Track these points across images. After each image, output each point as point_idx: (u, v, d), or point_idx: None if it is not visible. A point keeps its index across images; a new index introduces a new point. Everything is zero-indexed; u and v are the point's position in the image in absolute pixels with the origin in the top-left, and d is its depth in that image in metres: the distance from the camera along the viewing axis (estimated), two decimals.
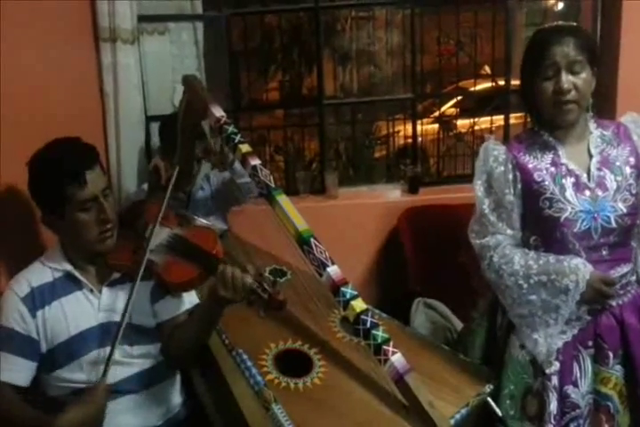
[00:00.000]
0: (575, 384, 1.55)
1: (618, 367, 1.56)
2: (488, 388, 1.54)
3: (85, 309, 1.50)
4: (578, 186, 1.54)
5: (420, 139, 3.14)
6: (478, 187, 1.63)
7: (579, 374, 1.55)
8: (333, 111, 3.73)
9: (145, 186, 2.28)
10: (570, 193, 1.53)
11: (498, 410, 1.55)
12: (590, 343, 1.57)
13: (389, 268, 2.74)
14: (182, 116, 1.76)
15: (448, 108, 4.51)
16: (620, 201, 1.53)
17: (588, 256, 1.53)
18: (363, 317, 1.39)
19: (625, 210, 1.53)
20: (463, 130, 3.83)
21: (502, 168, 1.59)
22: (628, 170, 1.56)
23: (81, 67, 2.29)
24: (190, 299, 1.61)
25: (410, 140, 3.02)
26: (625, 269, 1.57)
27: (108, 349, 1.45)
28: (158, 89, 2.53)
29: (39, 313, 1.47)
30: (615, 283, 1.53)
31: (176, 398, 1.63)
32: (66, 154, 1.45)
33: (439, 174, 3.62)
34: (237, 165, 1.98)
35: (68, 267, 1.50)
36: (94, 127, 2.34)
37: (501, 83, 2.98)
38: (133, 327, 1.50)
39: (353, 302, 1.40)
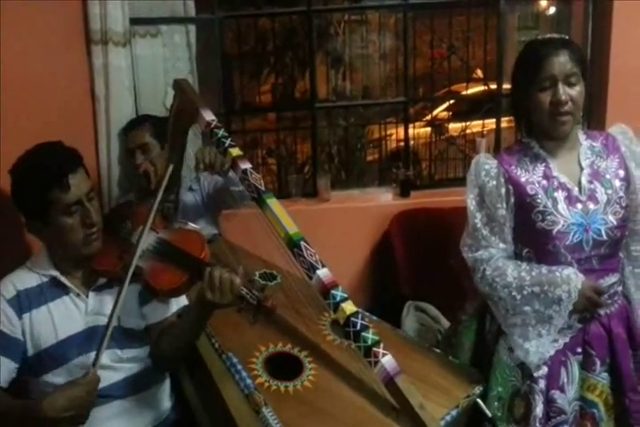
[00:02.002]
0: (562, 389, 1.56)
1: (604, 375, 1.58)
2: (478, 389, 1.56)
3: (72, 313, 1.50)
4: (570, 199, 1.55)
5: (412, 142, 3.15)
6: (470, 201, 1.63)
7: (566, 380, 1.57)
8: (326, 114, 3.74)
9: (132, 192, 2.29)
10: (562, 206, 1.54)
11: (487, 411, 1.56)
12: (579, 350, 1.58)
13: (380, 271, 2.74)
14: (173, 119, 1.76)
15: (440, 111, 4.52)
16: (610, 214, 1.55)
17: (579, 267, 1.54)
18: (353, 319, 1.39)
19: (615, 222, 1.55)
20: (455, 133, 3.84)
21: (494, 182, 1.60)
22: (617, 183, 1.57)
23: (72, 69, 2.28)
24: (179, 301, 1.61)
25: (402, 144, 3.03)
26: (613, 279, 1.59)
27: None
28: (150, 92, 2.52)
29: (25, 316, 1.46)
30: (605, 292, 1.55)
31: (165, 402, 1.62)
32: (48, 158, 1.44)
33: (431, 178, 3.62)
34: (232, 172, 1.97)
35: (54, 272, 1.50)
36: (85, 130, 2.34)
37: (493, 87, 3.00)
38: (123, 331, 1.49)
39: (343, 305, 1.40)
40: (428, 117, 4.09)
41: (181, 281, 1.46)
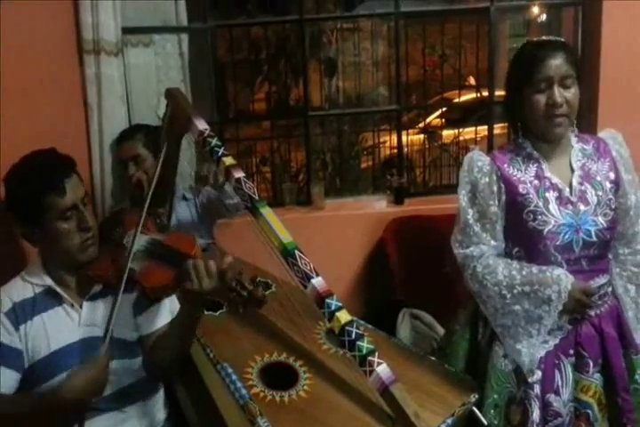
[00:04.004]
0: (557, 393, 1.56)
1: (597, 376, 1.58)
2: (473, 397, 1.55)
3: (66, 324, 1.48)
4: (561, 200, 1.56)
5: (405, 149, 3.16)
6: (462, 197, 1.64)
7: (560, 383, 1.57)
8: (319, 122, 3.75)
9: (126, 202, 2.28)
10: (553, 206, 1.56)
11: (483, 419, 1.56)
12: (571, 352, 1.59)
13: (375, 278, 2.74)
14: (165, 129, 1.76)
15: (433, 118, 4.54)
16: (600, 215, 1.56)
17: (569, 267, 1.55)
18: (348, 328, 1.38)
19: (605, 224, 1.56)
20: (448, 140, 3.85)
21: (487, 179, 1.60)
22: (607, 185, 1.59)
23: (64, 79, 2.28)
24: (173, 310, 1.60)
25: (395, 151, 3.04)
26: (603, 280, 1.61)
27: None
28: (143, 101, 2.52)
29: (22, 327, 1.45)
30: (595, 293, 1.56)
31: (160, 413, 1.61)
32: (43, 164, 1.45)
33: (425, 185, 3.63)
34: (228, 185, 1.97)
35: (49, 281, 1.49)
36: (78, 139, 2.33)
37: (485, 94, 3.01)
38: (115, 341, 1.48)
39: (338, 314, 1.39)
40: (422, 125, 4.11)
41: (171, 278, 1.44)
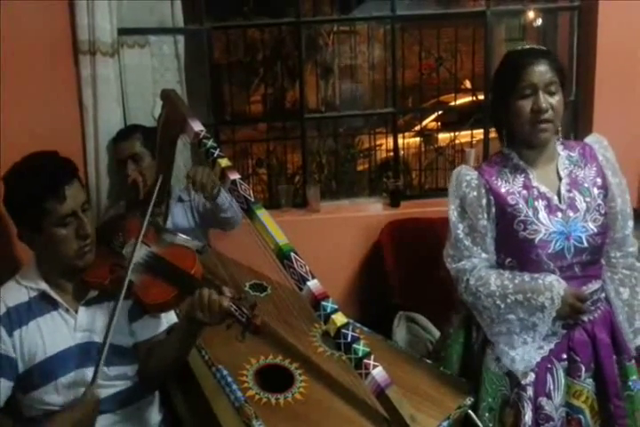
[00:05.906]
0: (549, 396, 1.56)
1: (589, 381, 1.58)
2: (469, 400, 1.55)
3: (61, 329, 1.47)
4: (550, 208, 1.57)
5: (401, 152, 3.16)
6: (452, 212, 1.64)
7: (552, 387, 1.57)
8: (316, 124, 3.75)
9: (122, 202, 2.27)
10: (543, 215, 1.56)
11: (479, 422, 1.56)
12: (564, 356, 1.59)
13: (371, 281, 2.74)
14: (161, 130, 1.75)
15: (429, 122, 4.55)
16: (590, 221, 1.57)
17: (562, 274, 1.55)
18: (343, 331, 1.38)
19: (595, 229, 1.57)
20: (444, 144, 3.86)
21: (475, 193, 1.61)
22: (595, 191, 1.60)
23: (60, 80, 2.27)
24: (168, 318, 1.59)
25: (391, 154, 3.04)
26: (596, 285, 1.61)
27: (85, 370, 1.43)
28: (138, 102, 2.52)
29: (16, 333, 1.44)
30: (588, 298, 1.56)
31: (155, 416, 1.60)
32: (44, 168, 1.42)
33: (421, 188, 3.64)
34: (221, 198, 1.96)
35: (43, 285, 1.47)
36: (73, 140, 2.32)
37: (481, 97, 3.02)
38: (111, 348, 1.46)
39: (334, 316, 1.39)
40: (418, 128, 4.11)
41: (170, 296, 1.45)
